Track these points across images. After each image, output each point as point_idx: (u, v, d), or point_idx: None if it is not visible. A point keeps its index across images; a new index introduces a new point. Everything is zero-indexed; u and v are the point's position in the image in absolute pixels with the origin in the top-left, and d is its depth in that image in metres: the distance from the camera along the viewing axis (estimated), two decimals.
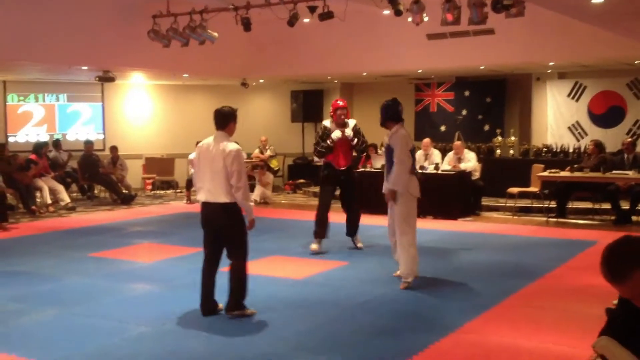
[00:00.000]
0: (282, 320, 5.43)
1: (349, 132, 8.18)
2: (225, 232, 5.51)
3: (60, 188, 12.60)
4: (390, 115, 6.79)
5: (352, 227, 8.53)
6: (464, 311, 5.60)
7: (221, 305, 5.63)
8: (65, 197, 12.53)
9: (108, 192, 13.99)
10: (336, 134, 8.16)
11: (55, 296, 6.26)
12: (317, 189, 15.14)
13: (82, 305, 5.93)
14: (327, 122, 8.46)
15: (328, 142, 8.19)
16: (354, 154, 8.53)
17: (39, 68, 12.67)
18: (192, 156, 13.63)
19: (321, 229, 8.27)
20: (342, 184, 8.50)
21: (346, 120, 8.30)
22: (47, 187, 12.27)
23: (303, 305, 5.88)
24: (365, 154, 9.76)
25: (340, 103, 8.37)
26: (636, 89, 13.29)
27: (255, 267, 7.33)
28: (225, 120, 5.57)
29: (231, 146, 5.43)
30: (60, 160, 13.79)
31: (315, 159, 8.57)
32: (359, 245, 8.49)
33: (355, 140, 8.24)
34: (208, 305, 5.60)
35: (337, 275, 7.05)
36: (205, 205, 5.53)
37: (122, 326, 5.29)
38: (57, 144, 14.40)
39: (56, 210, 12.18)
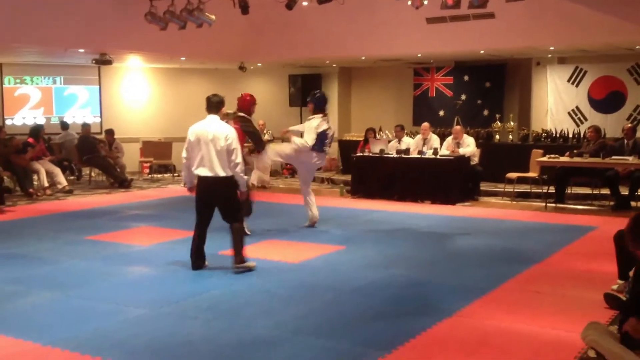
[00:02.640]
0: (279, 304, 5.42)
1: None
2: (223, 201, 6.41)
3: (57, 171, 12.57)
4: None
5: None
6: (461, 295, 5.59)
7: (207, 263, 6.55)
8: (62, 180, 12.50)
9: (105, 176, 13.95)
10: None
11: (53, 279, 6.25)
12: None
13: (79, 287, 5.91)
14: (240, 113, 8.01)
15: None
16: None
17: (36, 51, 12.58)
18: None
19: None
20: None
21: None
22: (44, 170, 12.23)
23: (300, 289, 5.87)
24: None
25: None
26: (637, 74, 13.22)
27: (253, 251, 7.33)
28: (219, 106, 6.55)
29: (229, 128, 6.44)
30: (73, 143, 13.90)
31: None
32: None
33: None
34: (198, 261, 6.50)
35: (334, 260, 7.04)
36: (206, 179, 6.35)
37: (119, 309, 5.28)
38: (65, 125, 14.48)
39: (53, 193, 12.15)
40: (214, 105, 6.50)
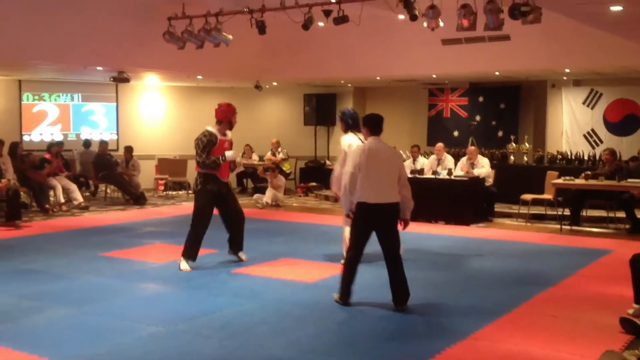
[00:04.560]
0: (293, 324, 5.42)
1: (232, 154, 7.55)
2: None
3: (74, 187, 12.68)
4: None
5: (238, 242, 7.86)
6: (475, 318, 5.56)
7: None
8: (78, 197, 12.60)
9: (120, 192, 14.04)
10: (230, 155, 7.47)
11: (67, 295, 6.28)
12: (328, 193, 15.17)
13: (94, 304, 5.94)
14: (211, 128, 7.50)
15: (220, 159, 7.37)
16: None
17: (55, 68, 12.76)
18: None
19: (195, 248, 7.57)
20: (226, 197, 7.68)
21: None
22: (60, 186, 12.34)
23: (314, 308, 5.86)
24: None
25: (233, 107, 7.78)
26: None
27: (266, 270, 7.35)
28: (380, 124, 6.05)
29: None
30: (90, 159, 14.13)
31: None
32: (244, 258, 7.85)
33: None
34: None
35: None
36: None
37: (133, 326, 5.30)
38: (87, 144, 14.69)
39: (69, 209, 12.24)
40: (377, 122, 6.08)
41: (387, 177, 5.81)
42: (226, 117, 7.65)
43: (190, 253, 7.43)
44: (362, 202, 5.82)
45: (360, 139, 7.03)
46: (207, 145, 7.36)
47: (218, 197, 7.56)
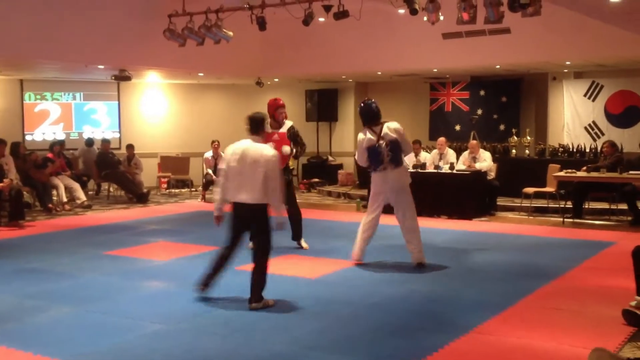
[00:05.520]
0: (296, 320, 5.43)
1: (285, 148, 7.93)
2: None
3: (77, 186, 12.70)
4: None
5: (296, 232, 8.38)
6: (478, 311, 5.58)
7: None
8: (81, 196, 12.63)
9: (124, 191, 14.07)
10: (285, 150, 7.86)
11: (71, 294, 6.31)
12: (331, 188, 15.19)
13: (97, 302, 5.97)
14: None
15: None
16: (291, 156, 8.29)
17: (56, 67, 12.77)
18: (207, 155, 13.72)
19: None
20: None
21: (285, 120, 8.18)
22: (63, 185, 12.37)
23: (317, 304, 5.88)
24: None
25: (281, 101, 8.23)
26: None
27: (270, 266, 7.36)
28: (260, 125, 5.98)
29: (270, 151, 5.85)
30: (92, 158, 14.16)
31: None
32: (305, 246, 8.42)
33: (294, 150, 8.15)
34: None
35: (351, 275, 7.05)
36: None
37: (137, 324, 5.32)
38: (90, 142, 14.76)
39: (72, 208, 12.26)
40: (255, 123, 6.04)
41: (252, 178, 5.72)
42: (269, 112, 7.95)
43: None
44: (230, 200, 5.90)
45: (368, 133, 7.28)
46: None
47: None
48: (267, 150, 5.83)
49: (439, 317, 5.52)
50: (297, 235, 8.44)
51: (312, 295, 6.17)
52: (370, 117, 7.37)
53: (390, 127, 7.28)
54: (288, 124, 8.27)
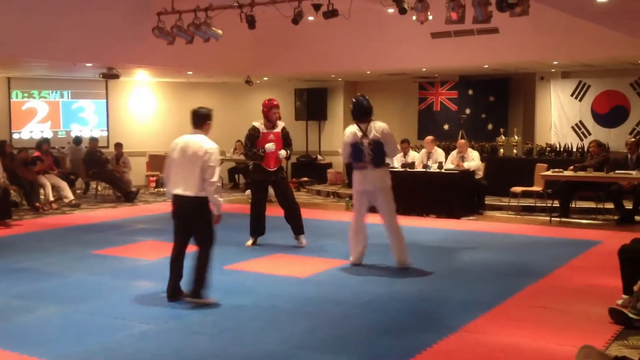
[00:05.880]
0: (286, 319, 5.44)
1: (271, 146, 8.23)
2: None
3: (64, 185, 12.63)
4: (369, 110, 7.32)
5: (295, 227, 8.54)
6: (467, 310, 5.60)
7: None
8: (69, 194, 12.56)
9: (112, 189, 14.01)
10: (269, 147, 8.19)
11: (59, 293, 6.28)
12: (320, 187, 15.20)
13: (85, 302, 5.94)
14: (256, 123, 8.43)
15: (260, 151, 8.23)
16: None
17: (44, 65, 12.69)
18: None
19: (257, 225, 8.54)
20: (274, 185, 8.58)
21: (278, 121, 8.42)
22: (50, 184, 12.29)
23: (307, 303, 5.89)
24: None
25: (275, 102, 8.44)
26: None
27: (259, 266, 7.37)
28: (202, 119, 5.96)
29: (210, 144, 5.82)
30: (80, 156, 14.06)
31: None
32: (303, 243, 8.50)
33: (289, 153, 8.51)
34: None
35: (340, 274, 7.06)
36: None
37: (125, 323, 5.31)
38: (78, 141, 14.64)
39: (60, 207, 12.20)
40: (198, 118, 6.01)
41: (190, 171, 5.75)
42: (263, 112, 8.38)
43: (252, 230, 8.51)
44: (171, 192, 5.98)
45: (355, 129, 7.26)
46: (249, 138, 8.35)
47: (267, 185, 8.53)
48: (207, 143, 5.81)
49: (428, 316, 5.54)
50: (297, 230, 8.54)
51: (302, 295, 6.18)
52: (359, 113, 7.30)
53: (376, 126, 7.22)
54: (281, 124, 8.44)
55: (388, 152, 7.29)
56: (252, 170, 8.59)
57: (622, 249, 5.66)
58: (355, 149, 7.20)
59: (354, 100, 7.43)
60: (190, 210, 5.85)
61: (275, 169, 8.40)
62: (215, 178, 5.74)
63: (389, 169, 7.51)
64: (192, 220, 5.89)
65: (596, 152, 10.96)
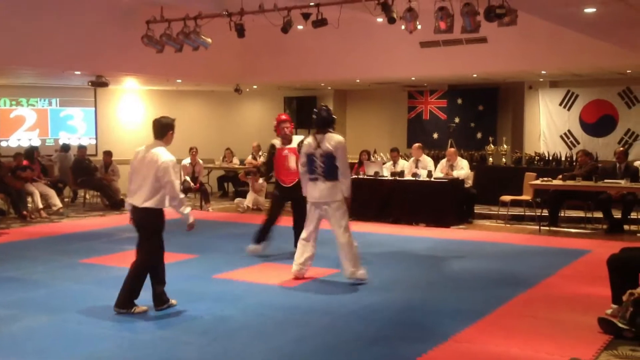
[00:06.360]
0: (274, 329, 5.41)
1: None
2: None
3: (52, 193, 12.54)
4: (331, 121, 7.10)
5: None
6: (456, 320, 5.60)
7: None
8: (57, 202, 12.48)
9: (100, 198, 13.93)
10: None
11: (47, 302, 6.22)
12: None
13: (73, 311, 5.89)
14: (275, 140, 8.41)
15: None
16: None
17: (32, 73, 12.64)
18: (185, 162, 13.65)
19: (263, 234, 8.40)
20: (293, 203, 8.22)
21: (292, 136, 8.35)
22: (38, 192, 12.20)
23: (295, 313, 5.86)
24: None
25: (284, 117, 8.45)
26: (627, 98, 13.38)
27: (248, 275, 7.34)
28: (164, 129, 5.87)
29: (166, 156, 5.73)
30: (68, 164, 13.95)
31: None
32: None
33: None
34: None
35: (330, 283, 7.04)
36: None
37: (113, 333, 5.27)
38: (66, 148, 14.55)
39: (48, 215, 12.11)
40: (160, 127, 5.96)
41: (143, 181, 5.74)
42: (275, 128, 8.33)
43: (257, 237, 8.37)
44: (127, 201, 5.97)
45: (311, 140, 7.03)
46: (267, 156, 8.52)
47: (284, 202, 8.37)
48: (163, 155, 5.73)
49: (417, 325, 5.53)
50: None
51: (291, 304, 6.15)
52: (317, 123, 7.10)
53: (330, 138, 6.91)
54: (297, 138, 8.23)
55: (339, 167, 6.91)
56: (274, 185, 8.65)
57: (611, 258, 5.68)
58: (309, 160, 7.03)
59: (315, 110, 7.29)
60: (137, 221, 5.87)
61: (291, 185, 8.17)
62: (176, 193, 5.73)
63: (345, 182, 6.98)
64: (139, 231, 5.89)
65: (584, 161, 11.02)
